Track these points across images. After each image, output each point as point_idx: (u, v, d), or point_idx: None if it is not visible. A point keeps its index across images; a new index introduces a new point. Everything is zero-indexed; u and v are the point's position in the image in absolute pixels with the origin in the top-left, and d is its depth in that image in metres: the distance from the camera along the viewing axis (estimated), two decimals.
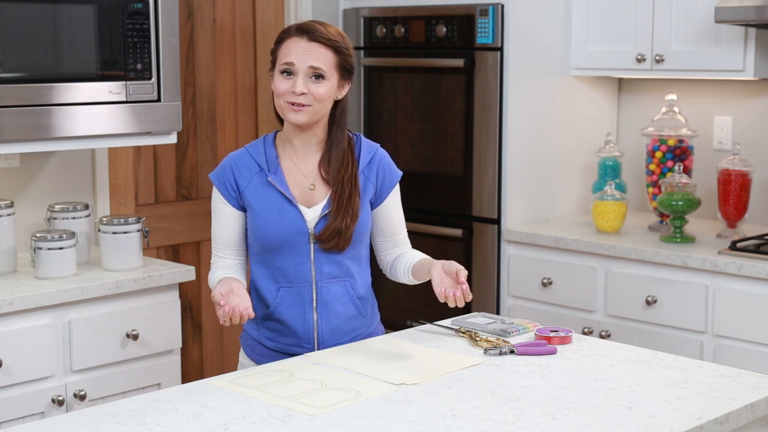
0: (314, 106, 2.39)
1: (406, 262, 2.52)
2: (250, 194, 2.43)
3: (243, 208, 2.46)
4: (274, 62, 2.44)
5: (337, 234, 2.40)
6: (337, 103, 2.46)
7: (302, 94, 2.37)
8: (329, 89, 2.40)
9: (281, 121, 2.50)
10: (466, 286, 2.25)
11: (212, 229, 2.51)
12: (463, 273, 2.26)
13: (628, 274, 3.60)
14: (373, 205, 2.51)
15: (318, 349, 2.44)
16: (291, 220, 2.41)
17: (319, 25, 2.41)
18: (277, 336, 2.47)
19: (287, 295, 2.44)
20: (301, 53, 2.37)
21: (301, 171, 2.46)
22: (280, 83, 2.39)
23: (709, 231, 3.80)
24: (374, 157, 2.50)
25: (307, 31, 2.40)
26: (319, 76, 2.38)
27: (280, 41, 2.43)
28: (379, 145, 2.55)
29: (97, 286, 3.06)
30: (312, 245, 2.42)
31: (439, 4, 4.00)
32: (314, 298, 2.45)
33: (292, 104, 2.38)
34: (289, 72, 2.38)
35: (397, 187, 2.54)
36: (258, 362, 2.48)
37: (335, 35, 2.41)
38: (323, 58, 2.39)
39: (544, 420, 1.92)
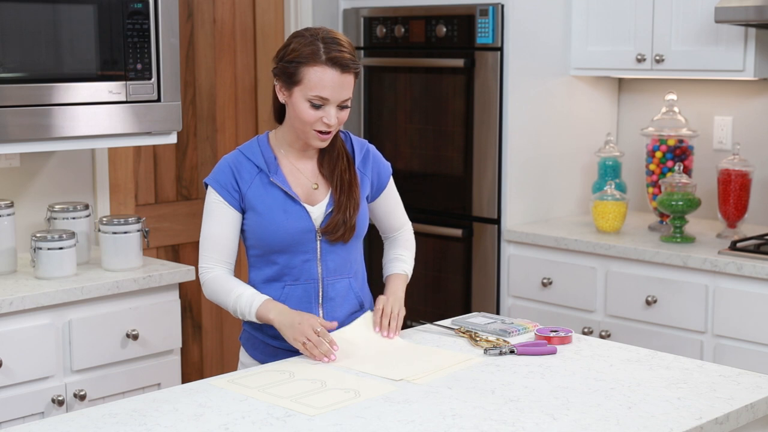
0: (336, 128, 2.42)
1: (385, 262, 2.65)
2: (252, 196, 2.43)
3: (242, 211, 2.46)
4: (293, 81, 2.36)
5: (342, 224, 2.43)
6: None
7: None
8: (349, 109, 2.43)
9: (280, 121, 2.50)
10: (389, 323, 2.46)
11: (206, 233, 2.46)
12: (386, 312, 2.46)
13: (628, 274, 3.60)
14: (373, 198, 2.57)
15: None
16: (297, 219, 2.42)
17: (342, 50, 2.36)
18: (281, 334, 2.47)
19: (292, 293, 2.44)
20: (337, 88, 2.35)
21: (301, 171, 2.48)
22: (309, 113, 2.36)
23: (709, 231, 3.80)
24: (367, 153, 2.55)
25: (340, 64, 2.34)
26: (346, 105, 2.40)
27: (304, 63, 2.35)
28: (367, 141, 2.59)
29: (97, 286, 3.06)
30: (319, 242, 2.43)
31: (439, 4, 4.00)
32: (320, 294, 2.46)
33: (321, 132, 2.39)
34: (318, 105, 2.37)
35: (391, 179, 2.62)
36: (262, 361, 2.48)
37: (353, 53, 2.39)
38: (351, 86, 2.39)
39: (544, 420, 1.92)
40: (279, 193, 2.43)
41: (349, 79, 2.37)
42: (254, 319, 2.39)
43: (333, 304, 2.47)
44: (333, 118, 2.37)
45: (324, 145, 2.43)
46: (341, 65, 2.35)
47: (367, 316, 2.48)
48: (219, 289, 2.44)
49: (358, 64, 2.40)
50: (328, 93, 2.35)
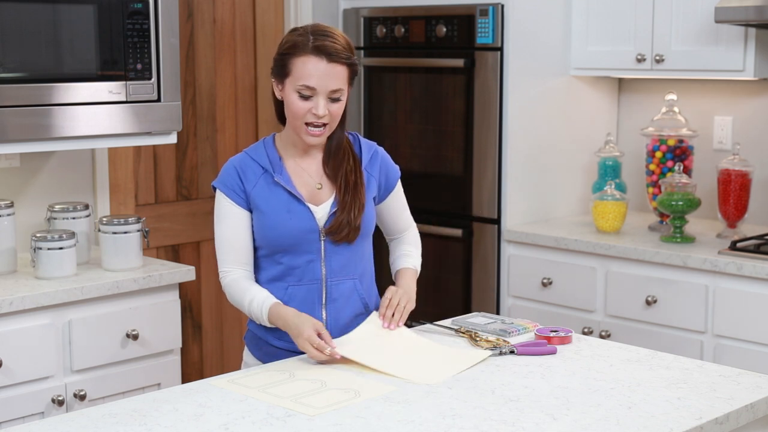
0: (330, 125, 2.40)
1: (393, 259, 2.64)
2: (257, 196, 2.43)
3: (251, 210, 2.46)
4: (284, 73, 2.38)
5: (347, 225, 2.41)
6: None
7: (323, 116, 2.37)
8: (344, 103, 2.40)
9: (283, 122, 2.50)
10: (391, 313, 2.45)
11: (220, 237, 2.46)
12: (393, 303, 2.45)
13: (628, 274, 3.60)
14: (380, 199, 2.55)
15: None
16: (301, 219, 2.42)
17: (332, 41, 2.36)
18: (285, 335, 2.46)
19: (296, 294, 2.44)
20: (323, 77, 2.34)
21: (306, 170, 2.47)
22: (298, 104, 2.36)
23: (709, 231, 3.80)
24: (375, 154, 2.53)
25: (326, 52, 2.33)
26: (337, 97, 2.38)
27: (292, 54, 2.36)
28: (376, 143, 2.57)
29: (97, 286, 3.06)
30: (323, 243, 2.43)
31: (439, 4, 4.00)
32: (324, 295, 2.45)
33: (311, 126, 2.37)
34: (307, 95, 2.36)
35: (399, 182, 2.60)
36: (264, 361, 2.48)
37: (347, 47, 2.38)
38: (341, 77, 2.36)
39: (544, 420, 1.92)
40: (283, 193, 2.43)
41: (337, 70, 2.35)
42: (269, 325, 2.41)
43: (337, 306, 2.46)
44: (322, 108, 2.35)
45: (316, 141, 2.40)
46: (327, 54, 2.34)
47: (374, 316, 2.47)
48: (236, 295, 2.45)
49: (349, 56, 2.38)
50: (315, 82, 2.34)
